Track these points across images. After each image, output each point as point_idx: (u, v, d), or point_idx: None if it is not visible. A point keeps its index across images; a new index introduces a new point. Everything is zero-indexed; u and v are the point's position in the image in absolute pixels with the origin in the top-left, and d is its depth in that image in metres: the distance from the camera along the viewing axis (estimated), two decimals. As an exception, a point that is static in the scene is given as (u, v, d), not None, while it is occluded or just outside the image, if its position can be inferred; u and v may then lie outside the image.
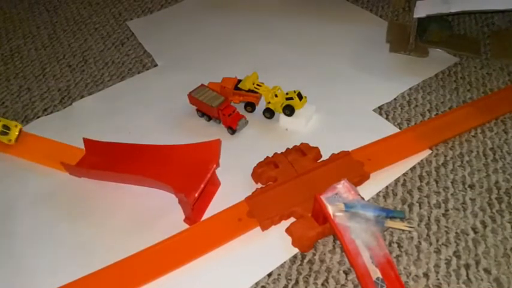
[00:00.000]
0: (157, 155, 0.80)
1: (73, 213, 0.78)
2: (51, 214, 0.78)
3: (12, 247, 0.74)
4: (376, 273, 0.61)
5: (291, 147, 0.82)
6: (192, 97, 0.92)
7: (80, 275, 0.67)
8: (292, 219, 0.73)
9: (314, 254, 0.69)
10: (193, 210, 0.72)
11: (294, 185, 0.75)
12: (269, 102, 0.92)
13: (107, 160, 0.82)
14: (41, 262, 0.71)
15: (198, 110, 0.94)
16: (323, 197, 0.65)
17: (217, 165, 0.76)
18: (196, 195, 0.70)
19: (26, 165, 0.86)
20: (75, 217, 0.77)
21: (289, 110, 0.90)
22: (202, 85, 0.94)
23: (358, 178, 0.76)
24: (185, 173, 0.73)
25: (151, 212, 0.77)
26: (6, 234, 0.76)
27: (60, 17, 1.33)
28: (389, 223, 0.66)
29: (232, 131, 0.89)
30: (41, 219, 0.77)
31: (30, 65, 1.14)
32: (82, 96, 1.03)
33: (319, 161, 0.81)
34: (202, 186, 0.71)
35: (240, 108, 0.93)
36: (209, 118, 0.93)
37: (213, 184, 0.79)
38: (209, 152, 0.76)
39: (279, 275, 0.67)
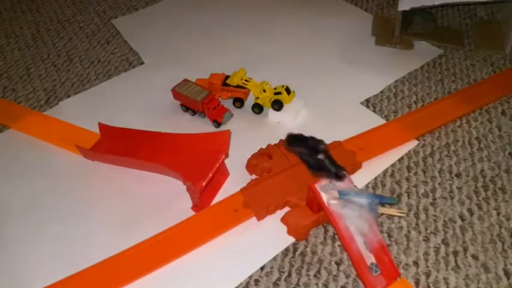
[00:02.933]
0: (168, 143, 0.81)
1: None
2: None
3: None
4: (370, 258, 0.62)
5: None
6: (176, 92, 0.92)
7: (79, 263, 0.68)
8: (287, 209, 0.73)
9: (306, 246, 0.70)
10: (201, 199, 0.73)
11: (288, 175, 0.76)
12: (257, 98, 0.92)
13: (120, 145, 0.84)
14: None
15: (182, 105, 0.94)
16: (317, 186, 0.65)
17: (227, 155, 0.77)
18: (204, 184, 0.71)
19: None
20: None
21: (277, 105, 0.90)
22: (185, 80, 0.94)
23: (351, 167, 0.77)
24: (194, 161, 0.74)
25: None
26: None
27: (43, 16, 1.31)
28: (382, 209, 0.67)
29: (218, 124, 0.90)
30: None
31: (15, 65, 1.13)
32: (68, 96, 1.02)
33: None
34: (210, 175, 0.72)
35: (228, 104, 0.93)
36: (194, 112, 0.93)
37: (222, 174, 0.80)
38: (219, 142, 0.77)
39: (272, 267, 0.68)
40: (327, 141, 0.82)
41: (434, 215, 0.73)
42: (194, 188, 0.71)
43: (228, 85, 0.93)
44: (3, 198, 0.80)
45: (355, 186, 0.69)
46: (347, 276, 0.66)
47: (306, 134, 0.83)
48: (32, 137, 0.91)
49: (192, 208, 0.75)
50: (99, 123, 0.86)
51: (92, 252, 0.69)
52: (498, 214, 0.73)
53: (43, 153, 0.88)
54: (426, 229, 0.72)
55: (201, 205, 0.74)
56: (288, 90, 0.90)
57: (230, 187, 0.78)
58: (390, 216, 0.73)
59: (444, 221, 0.73)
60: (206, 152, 0.76)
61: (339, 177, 0.66)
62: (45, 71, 1.10)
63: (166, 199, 0.78)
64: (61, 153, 0.87)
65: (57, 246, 0.72)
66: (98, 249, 0.70)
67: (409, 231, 0.71)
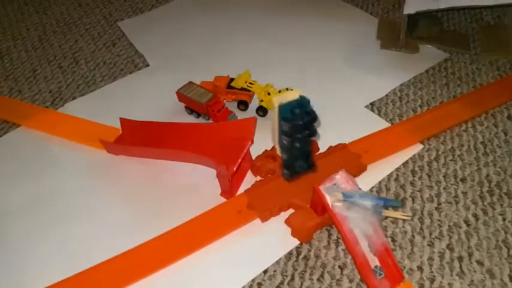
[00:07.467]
0: (195, 132, 0.82)
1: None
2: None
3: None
4: (374, 261, 0.61)
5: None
6: (181, 94, 0.92)
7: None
8: (291, 211, 0.73)
9: (309, 250, 0.70)
10: (231, 184, 0.74)
11: (292, 177, 0.76)
12: (262, 100, 0.92)
13: (144, 138, 0.85)
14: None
15: (186, 107, 0.94)
16: (321, 187, 0.65)
17: (252, 142, 0.78)
18: (235, 168, 0.72)
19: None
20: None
21: (282, 108, 0.90)
22: (190, 82, 0.94)
23: (356, 170, 0.77)
24: (222, 148, 0.75)
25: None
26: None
27: (50, 18, 1.32)
28: (387, 212, 0.66)
29: None
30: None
31: (21, 66, 1.13)
32: (74, 98, 1.03)
33: (317, 153, 0.81)
34: (239, 160, 0.73)
35: (233, 107, 0.93)
36: (198, 115, 0.93)
37: (247, 161, 0.81)
38: (245, 130, 0.78)
39: (275, 271, 0.67)
40: (332, 144, 0.82)
41: (439, 220, 0.73)
42: (226, 172, 0.71)
43: (233, 88, 0.93)
44: (8, 197, 0.81)
45: (360, 188, 0.68)
46: (350, 281, 0.66)
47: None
48: (43, 133, 0.92)
49: (221, 194, 0.76)
50: (121, 118, 0.87)
51: (96, 252, 0.69)
52: (504, 219, 0.72)
53: (54, 151, 0.89)
54: (431, 234, 0.71)
55: (231, 191, 0.75)
56: (292, 93, 0.90)
57: (235, 189, 0.78)
58: (394, 220, 0.73)
59: (449, 226, 0.72)
60: (232, 139, 0.77)
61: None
62: (51, 72, 1.11)
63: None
64: (70, 150, 0.88)
65: (62, 246, 0.73)
66: (102, 248, 0.70)
67: (413, 236, 0.71)
